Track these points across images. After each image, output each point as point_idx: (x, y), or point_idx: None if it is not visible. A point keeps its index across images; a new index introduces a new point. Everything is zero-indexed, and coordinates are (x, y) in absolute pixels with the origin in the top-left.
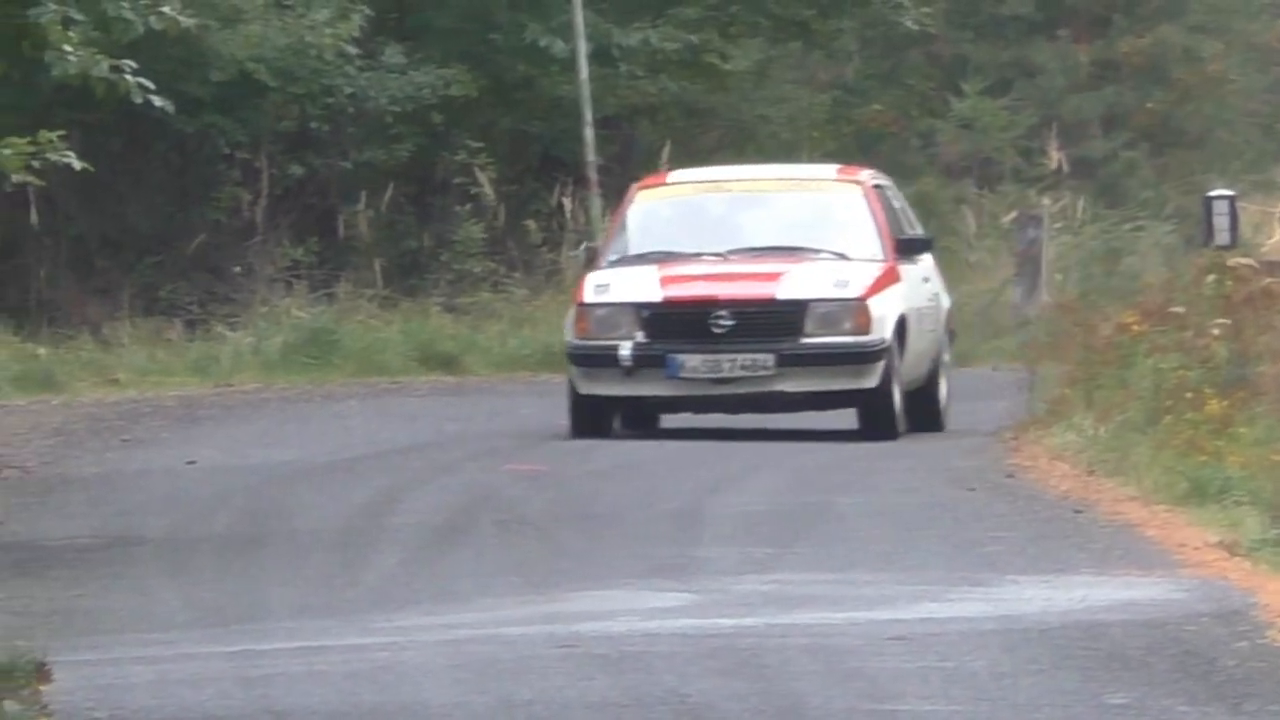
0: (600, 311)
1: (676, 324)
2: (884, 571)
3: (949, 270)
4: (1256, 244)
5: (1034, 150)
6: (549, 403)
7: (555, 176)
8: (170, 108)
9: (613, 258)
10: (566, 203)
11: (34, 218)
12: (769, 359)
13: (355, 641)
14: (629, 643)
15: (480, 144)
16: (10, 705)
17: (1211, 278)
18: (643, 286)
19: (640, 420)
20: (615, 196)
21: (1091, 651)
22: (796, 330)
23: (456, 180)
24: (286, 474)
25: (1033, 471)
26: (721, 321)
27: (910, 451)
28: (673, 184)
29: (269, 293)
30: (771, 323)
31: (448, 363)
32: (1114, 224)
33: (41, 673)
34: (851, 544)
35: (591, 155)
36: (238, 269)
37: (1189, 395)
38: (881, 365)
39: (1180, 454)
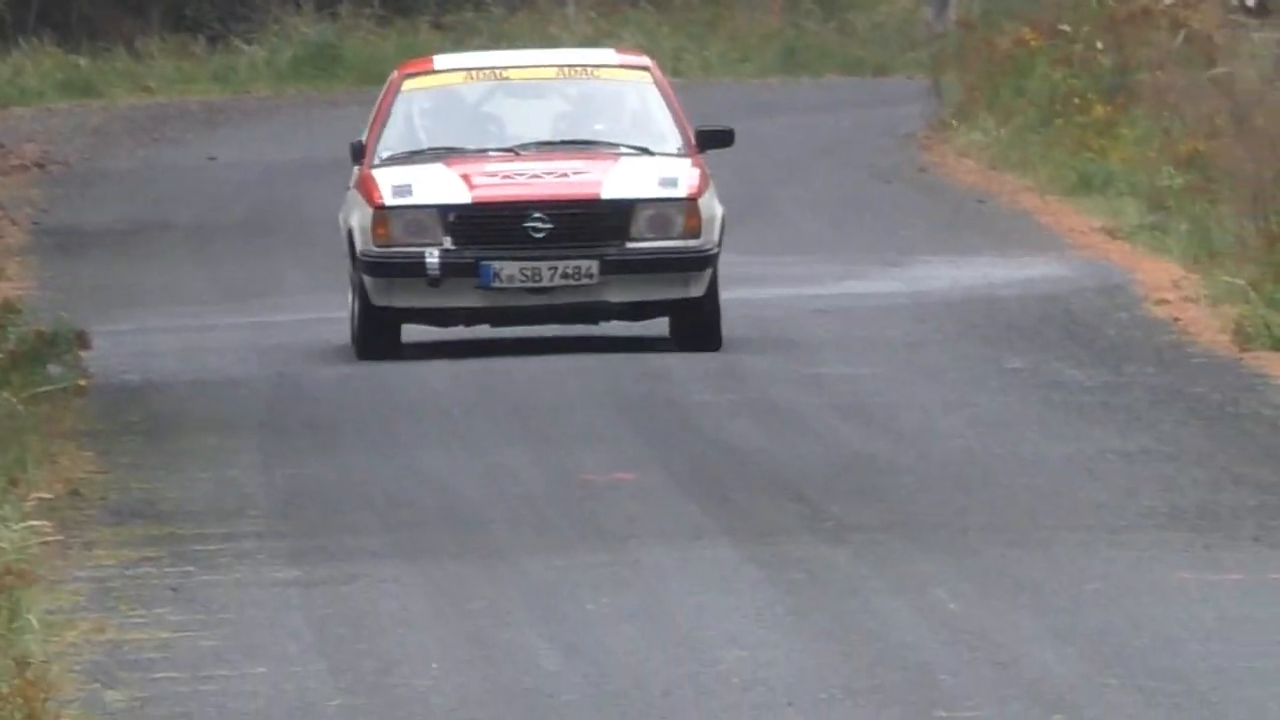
0: (404, 215)
1: (488, 228)
2: (811, 254)
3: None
4: None
5: None
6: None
7: None
8: None
9: (385, 154)
10: None
11: None
12: (593, 265)
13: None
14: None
15: None
16: (54, 368)
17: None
18: (446, 187)
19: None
20: None
21: (991, 322)
22: (622, 234)
23: None
24: (295, 170)
25: (941, 168)
26: (539, 224)
27: (835, 151)
28: (441, 71)
29: (280, 11)
30: (595, 226)
31: None
32: None
33: (81, 340)
34: (784, 231)
35: None
36: None
37: (1077, 101)
38: (710, 272)
39: (1070, 152)
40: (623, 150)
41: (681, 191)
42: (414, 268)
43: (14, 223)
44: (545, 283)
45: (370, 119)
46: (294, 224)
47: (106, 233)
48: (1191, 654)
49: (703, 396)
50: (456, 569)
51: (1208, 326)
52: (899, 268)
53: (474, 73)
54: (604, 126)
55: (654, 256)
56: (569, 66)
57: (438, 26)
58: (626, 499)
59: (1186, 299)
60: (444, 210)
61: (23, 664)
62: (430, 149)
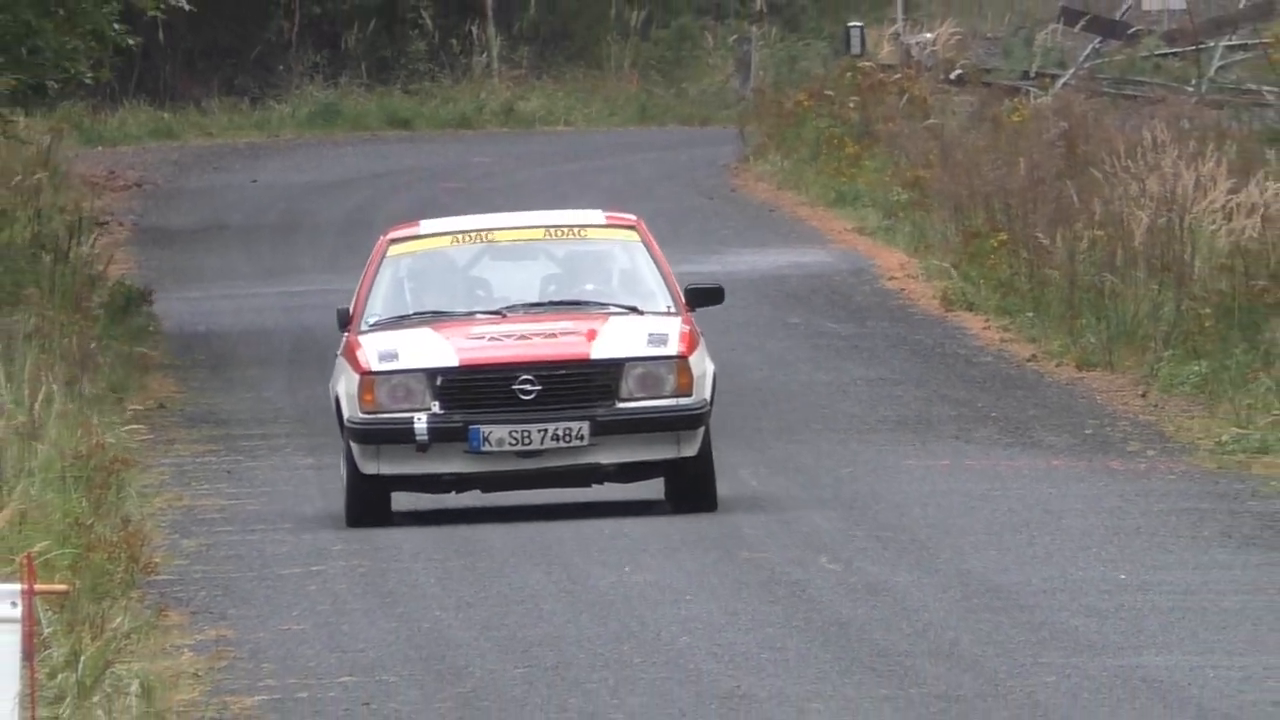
0: (391, 381)
1: (476, 391)
2: (665, 246)
3: (697, 75)
4: (876, 53)
5: None
6: (465, 145)
7: (467, 13)
8: None
9: (371, 320)
10: (475, 30)
11: (160, 36)
12: (583, 427)
13: (355, 285)
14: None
15: None
16: (137, 320)
17: (849, 74)
18: (432, 350)
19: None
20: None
21: (778, 293)
22: (611, 394)
23: (409, 15)
24: (310, 188)
25: (746, 188)
26: (528, 386)
27: (674, 177)
28: (427, 235)
29: (300, 81)
30: (584, 386)
31: (405, 123)
32: (794, 42)
33: (147, 297)
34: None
35: None
36: (281, 67)
37: (836, 142)
38: (703, 431)
39: (831, 176)
40: (611, 310)
41: (672, 350)
42: (401, 434)
43: (121, 224)
44: (535, 445)
45: (357, 286)
46: (310, 224)
47: (182, 231)
48: (914, 515)
49: None
50: None
51: (923, 295)
52: (717, 255)
53: (460, 236)
54: (593, 287)
55: (645, 416)
56: (556, 228)
57: (406, 91)
58: None
59: (909, 277)
60: (431, 374)
61: (126, 521)
62: (417, 314)
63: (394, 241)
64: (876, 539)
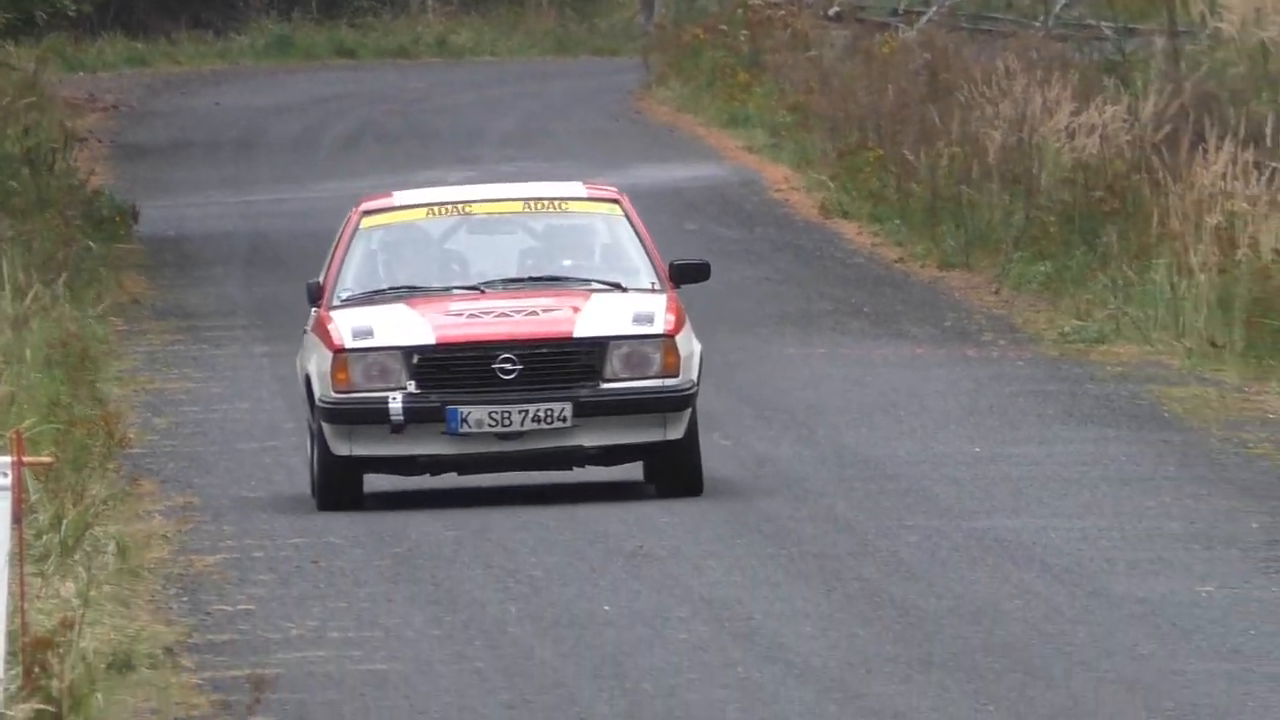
0: (365, 358)
1: (454, 370)
2: (575, 162)
3: (607, 11)
4: None
5: None
6: (403, 73)
7: None
8: None
9: (344, 295)
10: None
11: None
12: (565, 408)
13: (305, 195)
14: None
15: None
16: (114, 226)
17: (740, 10)
18: (409, 327)
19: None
20: None
21: (677, 202)
22: (595, 374)
23: None
24: (267, 111)
25: (649, 111)
26: (508, 365)
27: (586, 101)
28: (401, 206)
29: (258, 17)
30: (567, 366)
31: (351, 53)
32: None
33: (134, 213)
34: (560, 148)
35: None
36: (242, 3)
37: (728, 71)
38: (689, 413)
39: (724, 101)
40: (594, 286)
41: (658, 328)
42: (376, 414)
43: (100, 142)
44: (515, 427)
45: (328, 258)
46: (266, 142)
47: (154, 148)
48: (796, 397)
49: None
50: None
51: (804, 205)
52: (623, 170)
53: (436, 208)
54: (574, 262)
55: (630, 397)
56: (536, 200)
57: (351, 25)
58: None
59: (792, 189)
60: (407, 352)
61: (104, 402)
62: (391, 288)
63: (367, 213)
64: (763, 418)
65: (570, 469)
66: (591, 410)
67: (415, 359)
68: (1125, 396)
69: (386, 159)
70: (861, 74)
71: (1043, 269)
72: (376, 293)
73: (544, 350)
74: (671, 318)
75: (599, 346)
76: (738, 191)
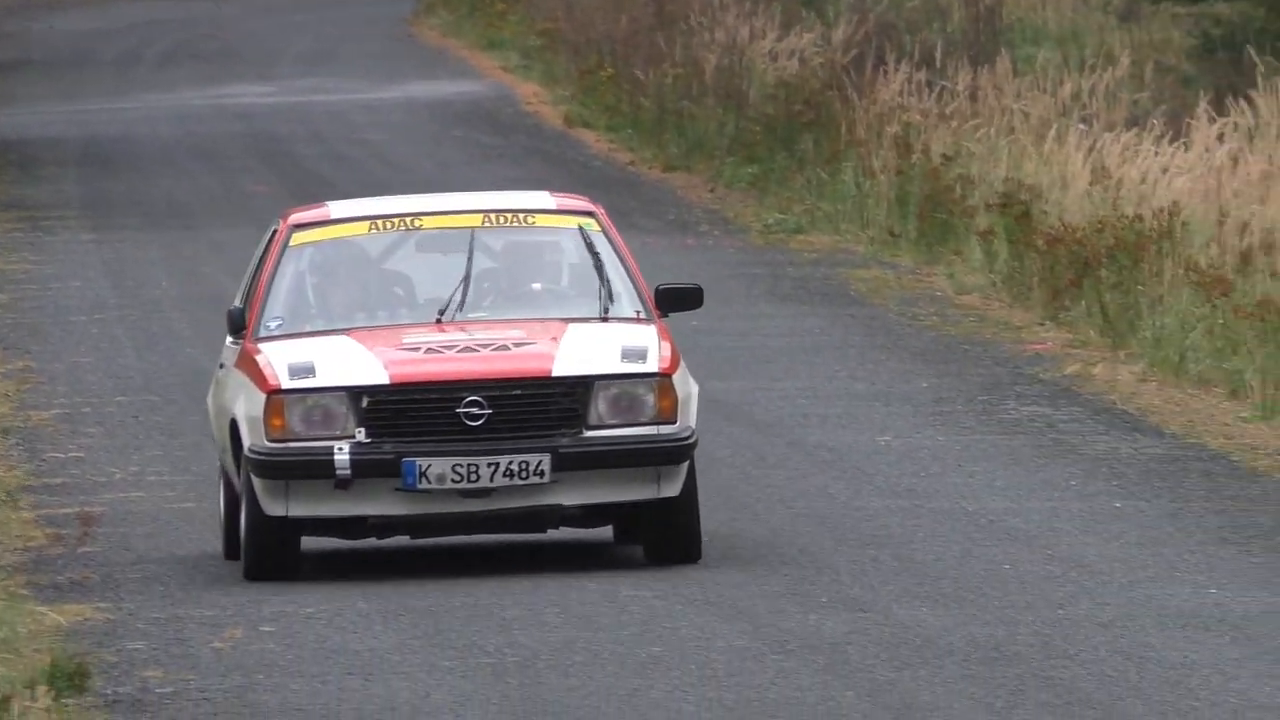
0: (305, 401)
1: (412, 415)
2: (363, 79)
3: None
4: None
5: None
6: (214, 3)
7: None
8: None
9: (273, 324)
10: None
11: None
12: (543, 460)
13: (129, 105)
14: (255, 108)
15: None
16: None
17: None
18: (356, 364)
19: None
20: None
21: (445, 113)
22: (578, 419)
23: None
24: (95, 34)
25: (420, 36)
26: (475, 410)
27: (375, 24)
28: (338, 220)
29: None
30: (545, 410)
31: None
32: None
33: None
34: (345, 67)
35: None
36: None
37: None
38: (687, 465)
39: (484, 28)
40: (573, 315)
41: (651, 365)
42: (318, 466)
43: None
44: (484, 483)
45: (248, 279)
46: (94, 60)
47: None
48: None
49: None
50: (180, 236)
51: (552, 115)
52: (399, 86)
53: (380, 221)
54: (541, 286)
55: (619, 448)
56: (497, 213)
57: None
58: None
59: (541, 103)
60: (355, 394)
61: None
62: (330, 317)
63: (297, 228)
64: None
65: (544, 531)
66: (573, 463)
67: (365, 402)
68: (819, 278)
69: (199, 75)
70: (600, 4)
71: (750, 171)
72: (313, 322)
73: (517, 391)
74: (666, 353)
75: (582, 387)
76: (496, 105)
